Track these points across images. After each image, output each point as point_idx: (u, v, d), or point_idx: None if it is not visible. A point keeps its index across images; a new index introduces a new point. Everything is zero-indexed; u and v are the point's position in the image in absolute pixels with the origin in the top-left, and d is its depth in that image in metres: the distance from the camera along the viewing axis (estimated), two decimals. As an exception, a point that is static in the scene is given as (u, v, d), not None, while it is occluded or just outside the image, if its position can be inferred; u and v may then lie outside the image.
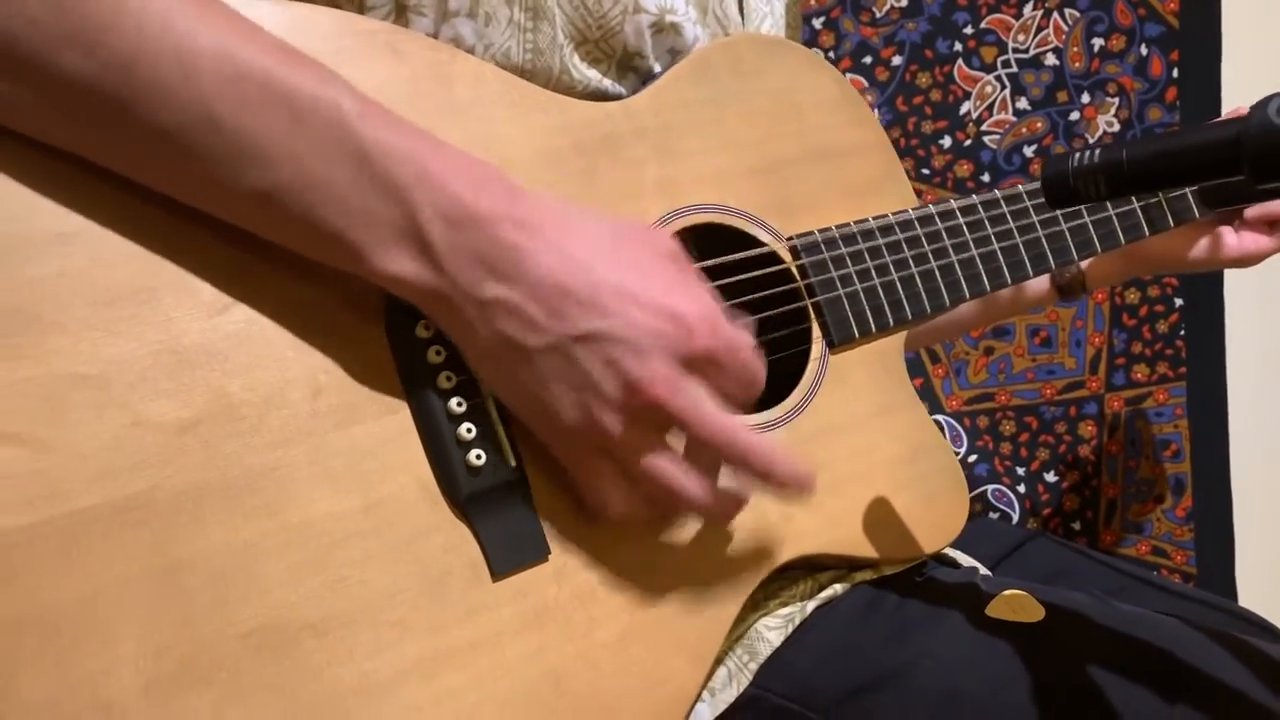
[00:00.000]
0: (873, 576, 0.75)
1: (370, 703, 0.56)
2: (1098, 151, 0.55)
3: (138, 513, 0.54)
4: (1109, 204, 0.91)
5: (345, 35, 0.65)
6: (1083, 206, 0.87)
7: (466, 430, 0.61)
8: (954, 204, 0.83)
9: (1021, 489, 1.67)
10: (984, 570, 0.85)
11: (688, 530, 0.68)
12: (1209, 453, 1.65)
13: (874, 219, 0.79)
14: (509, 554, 0.61)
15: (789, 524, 0.71)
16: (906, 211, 0.81)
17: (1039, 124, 1.60)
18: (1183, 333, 1.64)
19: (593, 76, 0.75)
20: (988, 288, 0.83)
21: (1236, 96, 1.56)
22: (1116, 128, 1.59)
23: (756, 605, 0.73)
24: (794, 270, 0.76)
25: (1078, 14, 1.58)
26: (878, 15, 1.58)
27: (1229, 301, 1.61)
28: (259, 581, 0.55)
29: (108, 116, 0.53)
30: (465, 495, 0.60)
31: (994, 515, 1.66)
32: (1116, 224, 0.91)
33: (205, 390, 0.56)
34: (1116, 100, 1.59)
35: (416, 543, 0.59)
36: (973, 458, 1.65)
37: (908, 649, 0.70)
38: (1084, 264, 1.08)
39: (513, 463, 0.62)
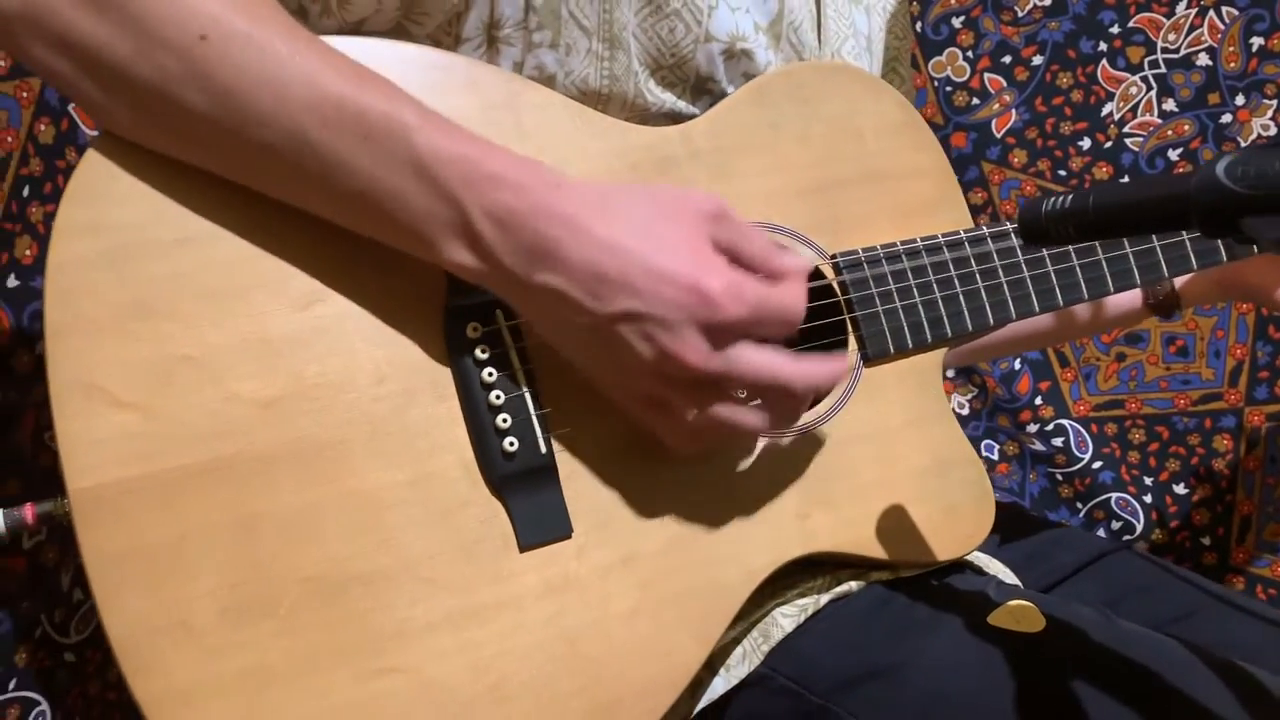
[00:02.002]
0: (889, 577, 0.80)
1: (404, 645, 0.67)
2: (1069, 198, 0.59)
3: (224, 472, 0.65)
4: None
5: (431, 69, 0.74)
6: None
7: (502, 420, 0.70)
8: (1009, 225, 0.85)
9: (1148, 499, 1.64)
10: (1011, 580, 0.88)
11: (704, 519, 0.75)
12: (1358, 476, 1.57)
13: (922, 239, 0.83)
14: (536, 529, 0.70)
15: (805, 522, 0.77)
16: (957, 232, 0.85)
17: (1186, 127, 1.55)
18: (1336, 349, 1.56)
19: (667, 99, 0.82)
20: (1036, 309, 0.85)
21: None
22: (1273, 131, 1.53)
23: (776, 593, 0.79)
24: (835, 286, 0.81)
25: (1236, 12, 1.52)
26: (1019, 14, 1.57)
27: (1388, 319, 1.53)
28: (319, 536, 0.66)
29: (219, 137, 0.65)
30: (499, 476, 0.70)
31: (1116, 524, 1.64)
32: (1189, 248, 0.91)
33: (286, 373, 0.67)
34: (1275, 102, 1.53)
35: (455, 514, 0.69)
36: (1097, 464, 1.64)
37: (906, 647, 0.75)
38: (1178, 283, 1.07)
39: (543, 450, 0.71)
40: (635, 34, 0.80)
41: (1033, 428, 1.64)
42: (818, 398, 0.81)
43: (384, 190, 0.65)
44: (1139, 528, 1.64)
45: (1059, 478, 1.65)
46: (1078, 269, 0.87)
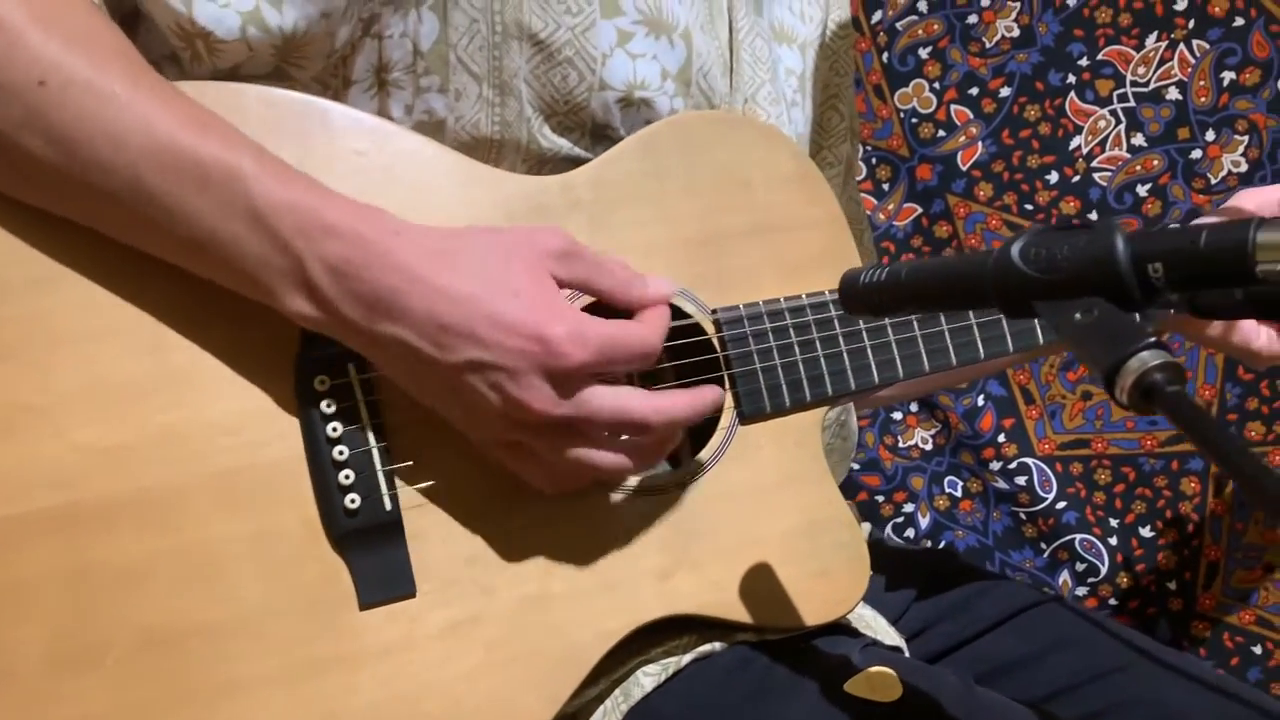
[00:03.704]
0: (755, 639, 0.79)
1: (235, 701, 0.67)
2: (886, 270, 0.58)
3: (61, 520, 0.66)
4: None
5: (300, 115, 0.74)
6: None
7: (344, 477, 0.70)
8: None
9: (1113, 541, 1.61)
10: (893, 640, 0.87)
11: (561, 577, 0.74)
12: (1325, 525, 1.53)
13: (807, 295, 0.82)
14: (377, 587, 0.70)
15: (667, 582, 0.76)
16: (845, 287, 0.83)
17: (1155, 162, 1.52)
18: (1308, 392, 1.52)
19: (563, 145, 0.81)
20: (926, 368, 0.84)
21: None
22: (1244, 168, 1.49)
23: (641, 650, 0.78)
24: (715, 342, 0.80)
25: (1207, 45, 1.48)
26: (988, 45, 1.54)
27: (1360, 365, 1.48)
28: (156, 587, 0.67)
29: (61, 183, 0.65)
30: (341, 533, 0.69)
31: (1080, 566, 1.61)
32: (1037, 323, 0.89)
33: (132, 421, 0.68)
34: (1246, 138, 1.49)
35: (296, 569, 0.69)
36: (1061, 505, 1.61)
37: (761, 712, 0.74)
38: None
39: (388, 507, 0.70)
40: (527, 80, 0.79)
41: (996, 465, 1.62)
42: (707, 424, 0.80)
43: (222, 238, 0.65)
44: (1103, 570, 1.61)
45: (1023, 517, 1.62)
46: (974, 328, 0.85)
